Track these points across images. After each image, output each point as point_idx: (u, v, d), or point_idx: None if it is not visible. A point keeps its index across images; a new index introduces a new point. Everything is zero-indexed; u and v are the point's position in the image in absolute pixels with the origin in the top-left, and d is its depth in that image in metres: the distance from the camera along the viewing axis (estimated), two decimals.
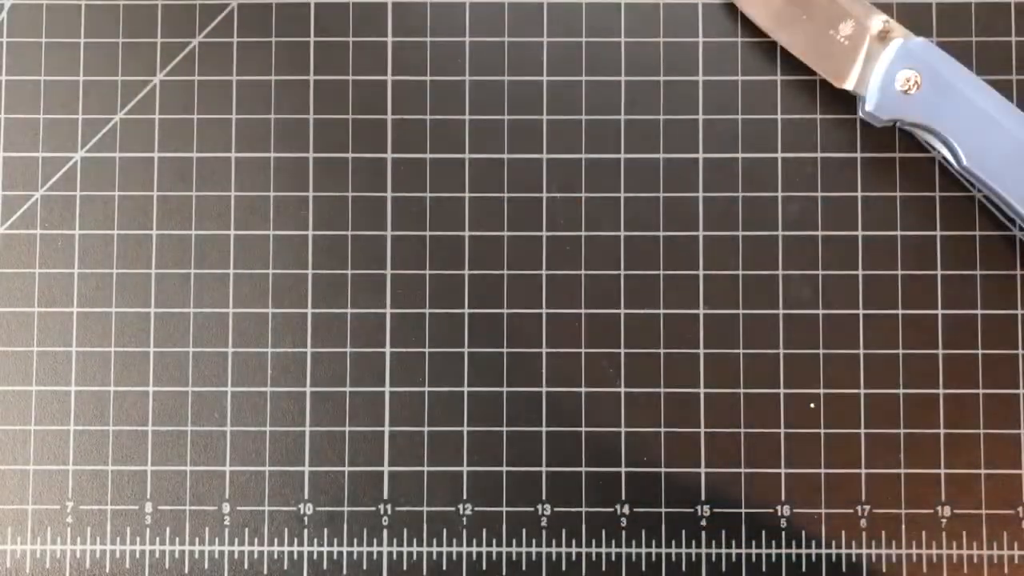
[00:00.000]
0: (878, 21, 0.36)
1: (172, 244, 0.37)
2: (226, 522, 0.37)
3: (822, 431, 0.37)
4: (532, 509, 0.36)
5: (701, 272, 0.37)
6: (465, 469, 0.37)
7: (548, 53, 0.38)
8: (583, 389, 0.37)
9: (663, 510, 0.36)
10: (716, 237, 0.37)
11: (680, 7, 0.38)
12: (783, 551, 0.36)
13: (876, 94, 0.35)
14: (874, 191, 0.37)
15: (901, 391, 0.37)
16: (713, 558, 0.36)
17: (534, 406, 0.37)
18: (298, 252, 0.37)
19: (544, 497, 0.37)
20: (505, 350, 0.37)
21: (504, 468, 0.37)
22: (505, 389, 0.37)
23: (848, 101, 0.37)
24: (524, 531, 0.36)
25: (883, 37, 0.35)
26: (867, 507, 0.36)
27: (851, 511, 0.36)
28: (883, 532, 0.36)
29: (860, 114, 0.36)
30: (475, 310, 0.37)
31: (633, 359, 0.37)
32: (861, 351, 0.37)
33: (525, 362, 0.37)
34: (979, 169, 0.35)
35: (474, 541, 0.36)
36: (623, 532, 0.36)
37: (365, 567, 0.36)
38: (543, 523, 0.36)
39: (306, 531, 0.37)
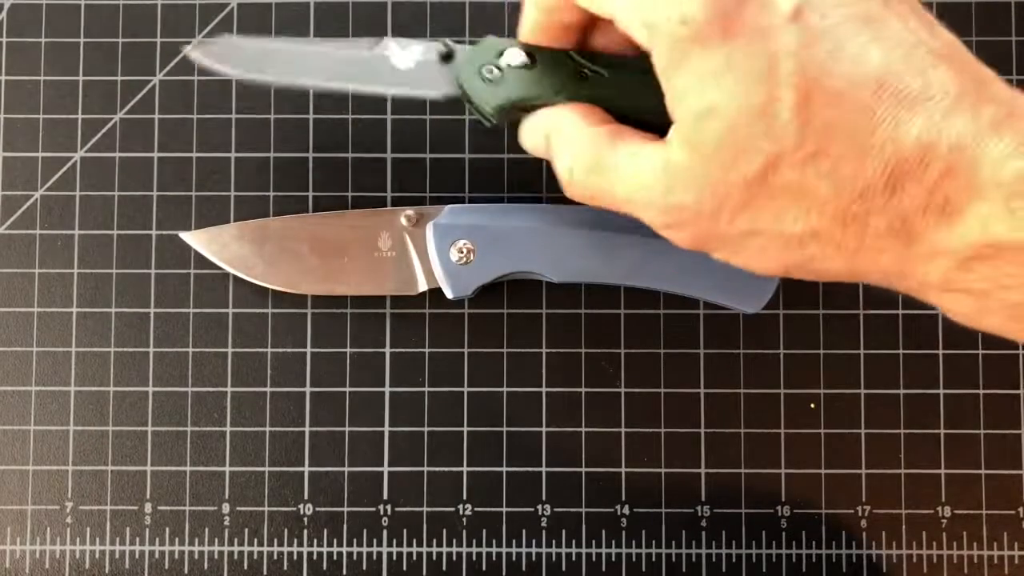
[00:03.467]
0: (403, 217, 0.35)
1: (171, 244, 0.37)
2: (226, 522, 0.37)
3: (822, 431, 0.37)
4: (532, 509, 0.36)
5: None
6: (465, 469, 0.37)
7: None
8: (583, 389, 0.37)
9: (663, 510, 0.36)
10: None
11: None
12: (783, 551, 0.36)
13: (446, 280, 0.35)
14: None
15: (901, 391, 0.37)
16: (713, 558, 0.36)
17: (534, 406, 0.37)
18: None
19: (544, 497, 0.37)
20: (505, 350, 0.37)
21: (504, 468, 0.37)
22: (505, 389, 0.37)
23: None
24: (524, 531, 0.36)
25: (416, 224, 0.35)
26: (867, 507, 0.36)
27: (851, 511, 0.36)
28: (883, 532, 0.36)
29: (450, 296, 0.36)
30: (475, 310, 0.37)
31: (633, 359, 0.37)
32: (861, 351, 0.37)
33: (525, 362, 0.37)
34: (571, 278, 0.35)
35: (474, 541, 0.36)
36: (623, 532, 0.36)
37: (365, 567, 0.36)
38: (543, 523, 0.36)
39: (306, 531, 0.37)
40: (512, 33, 0.31)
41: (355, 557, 0.36)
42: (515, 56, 0.31)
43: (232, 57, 0.34)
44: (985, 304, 0.22)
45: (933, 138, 0.21)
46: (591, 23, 0.30)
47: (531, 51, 0.31)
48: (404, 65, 0.33)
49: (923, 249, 0.22)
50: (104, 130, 0.38)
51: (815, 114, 0.22)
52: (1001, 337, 0.24)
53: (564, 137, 0.28)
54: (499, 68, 0.31)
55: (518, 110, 0.31)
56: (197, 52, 0.33)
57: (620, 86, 0.31)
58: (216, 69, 0.33)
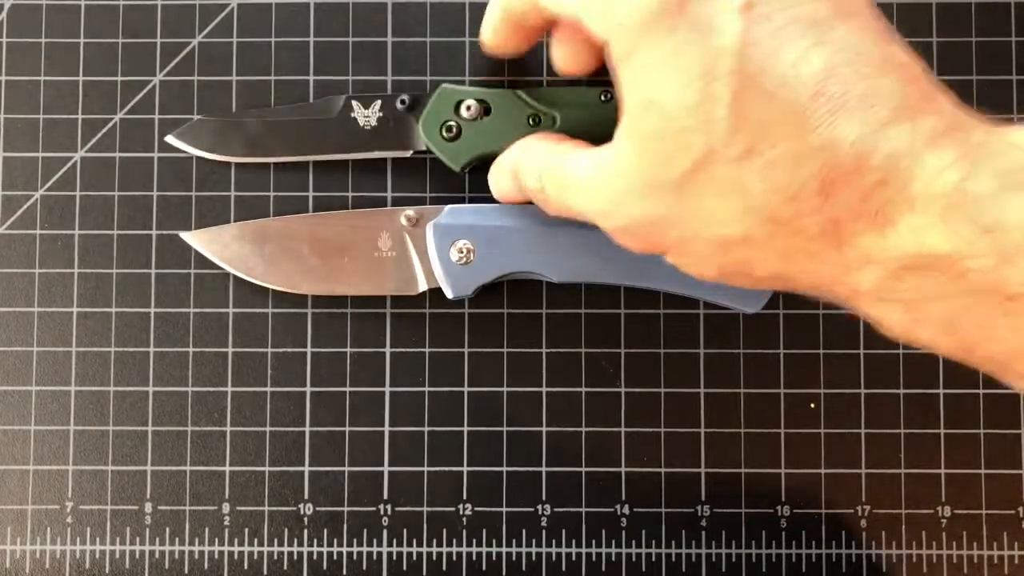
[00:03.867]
0: (403, 217, 0.35)
1: (171, 244, 0.37)
2: (226, 522, 0.37)
3: (822, 431, 0.37)
4: (532, 509, 0.36)
5: None
6: (465, 469, 0.37)
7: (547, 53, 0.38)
8: (583, 389, 0.37)
9: (663, 510, 0.36)
10: None
11: None
12: (783, 551, 0.36)
13: (446, 280, 0.35)
14: None
15: (901, 391, 0.37)
16: (713, 558, 0.36)
17: (534, 406, 0.37)
18: None
19: (544, 497, 0.37)
20: (505, 350, 0.37)
21: (504, 468, 0.37)
22: (505, 389, 0.37)
23: None
24: (524, 531, 0.36)
25: (416, 224, 0.35)
26: (867, 507, 0.36)
27: (851, 511, 0.36)
28: (883, 532, 0.36)
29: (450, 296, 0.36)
30: (475, 310, 0.37)
31: (633, 359, 0.37)
32: (861, 351, 0.37)
33: (525, 362, 0.37)
34: (571, 278, 0.35)
35: (474, 541, 0.36)
36: (623, 532, 0.36)
37: (365, 567, 0.36)
38: (543, 523, 0.36)
39: (306, 531, 0.37)
40: None
41: (355, 557, 0.36)
42: (471, 108, 0.35)
43: (201, 138, 0.37)
44: (917, 316, 0.22)
45: (869, 147, 0.21)
46: (549, 27, 0.31)
47: (484, 99, 0.35)
48: (369, 123, 0.36)
49: (855, 256, 0.22)
50: (104, 130, 0.38)
51: (750, 112, 0.22)
52: (932, 353, 0.24)
53: (529, 161, 0.30)
54: (458, 123, 0.35)
55: (480, 160, 0.35)
56: (173, 137, 0.37)
57: (570, 125, 0.34)
58: (187, 150, 0.37)
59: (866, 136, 0.21)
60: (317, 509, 0.37)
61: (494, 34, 0.32)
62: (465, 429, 0.37)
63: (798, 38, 0.22)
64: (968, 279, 0.21)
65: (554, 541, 0.36)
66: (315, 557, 0.36)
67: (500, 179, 0.33)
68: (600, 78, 0.32)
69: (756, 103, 0.22)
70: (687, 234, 0.25)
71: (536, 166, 0.30)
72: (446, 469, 0.37)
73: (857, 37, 0.23)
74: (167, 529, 0.37)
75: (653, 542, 0.36)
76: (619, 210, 0.26)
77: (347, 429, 0.37)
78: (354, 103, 0.36)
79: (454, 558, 0.36)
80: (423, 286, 0.36)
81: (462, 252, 0.35)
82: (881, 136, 0.21)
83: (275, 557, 0.36)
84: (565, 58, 0.32)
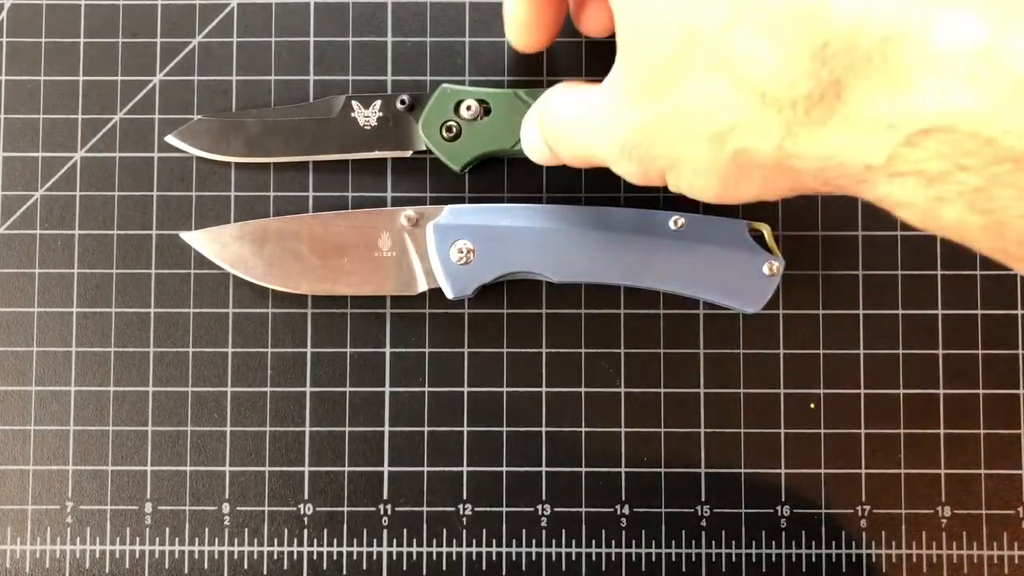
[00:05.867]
0: (403, 217, 0.36)
1: (171, 244, 0.37)
2: (226, 522, 0.37)
3: (822, 431, 0.37)
4: (532, 509, 0.36)
5: None
6: (465, 469, 0.37)
7: (546, 53, 0.38)
8: (583, 389, 0.37)
9: (663, 510, 0.36)
10: None
11: None
12: (783, 551, 0.36)
13: (446, 280, 0.35)
14: None
15: (901, 391, 0.37)
16: (713, 558, 0.36)
17: (534, 406, 0.37)
18: None
19: (544, 497, 0.37)
20: (505, 350, 0.37)
21: (504, 468, 0.37)
22: (505, 389, 0.37)
23: None
24: (524, 531, 0.36)
25: (416, 224, 0.36)
26: (867, 507, 0.36)
27: (851, 511, 0.36)
28: (883, 532, 0.36)
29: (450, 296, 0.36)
30: (475, 310, 0.37)
31: (633, 359, 0.37)
32: (861, 351, 0.37)
33: (525, 362, 0.37)
34: (571, 278, 0.35)
35: (474, 541, 0.36)
36: (623, 532, 0.36)
37: (365, 567, 0.36)
38: (543, 523, 0.36)
39: (306, 531, 0.37)
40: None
41: (355, 557, 0.36)
42: (471, 108, 0.35)
43: (201, 138, 0.37)
44: (940, 191, 0.20)
45: (866, 4, 0.20)
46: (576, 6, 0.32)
47: (484, 99, 0.35)
48: (369, 123, 0.36)
49: (866, 121, 0.20)
50: (104, 130, 0.38)
51: None
52: (957, 243, 0.21)
53: (547, 107, 0.30)
54: (458, 123, 0.35)
55: (480, 160, 0.35)
56: (173, 137, 0.37)
57: None
58: (187, 150, 0.37)
59: None
60: (317, 509, 0.37)
61: (519, 29, 0.32)
62: (465, 429, 0.37)
63: None
64: (1000, 145, 0.19)
65: (554, 541, 0.36)
66: (315, 557, 0.36)
67: (528, 134, 0.32)
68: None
69: None
70: (684, 136, 0.23)
71: (551, 108, 0.30)
72: (446, 469, 0.37)
73: None
74: (167, 529, 0.37)
75: (653, 542, 0.36)
76: (615, 125, 0.25)
77: (347, 429, 0.37)
78: (354, 103, 0.36)
79: (454, 558, 0.36)
80: (423, 286, 0.36)
81: (462, 252, 0.35)
82: None
83: (275, 557, 0.36)
84: (588, 20, 0.33)
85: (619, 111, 0.25)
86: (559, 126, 0.29)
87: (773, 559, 0.36)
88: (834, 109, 0.21)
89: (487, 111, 0.35)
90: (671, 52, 0.23)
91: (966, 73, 0.19)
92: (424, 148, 0.36)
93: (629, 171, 0.26)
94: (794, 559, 0.36)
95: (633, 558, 0.36)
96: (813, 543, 0.36)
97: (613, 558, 0.36)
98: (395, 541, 0.36)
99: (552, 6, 0.32)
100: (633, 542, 0.36)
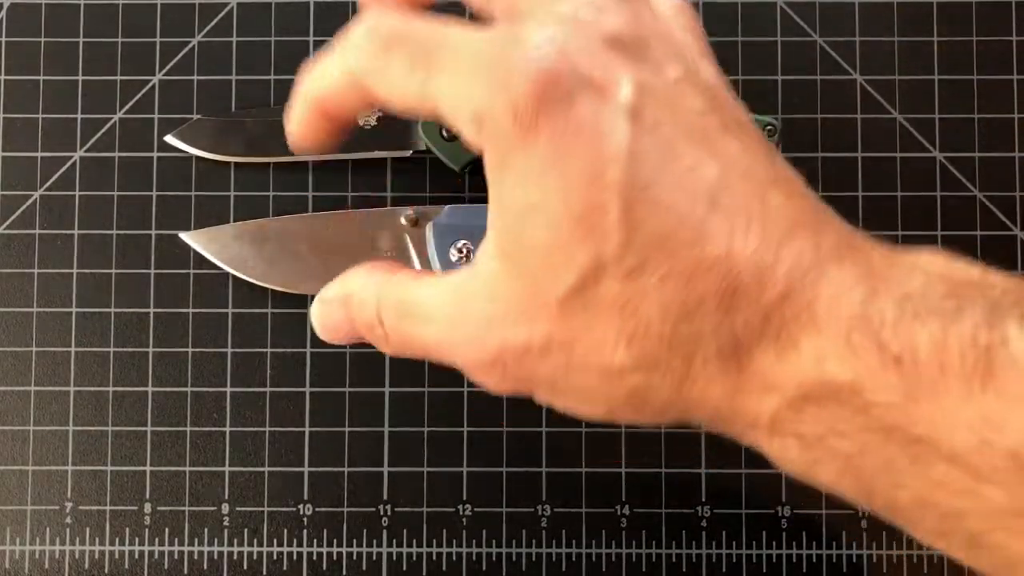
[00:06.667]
0: (403, 217, 0.35)
1: (171, 244, 0.37)
2: (226, 522, 0.37)
3: None
4: (532, 509, 0.36)
5: None
6: (465, 469, 0.37)
7: None
8: None
9: (663, 510, 0.36)
10: None
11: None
12: (783, 551, 0.36)
13: None
14: (875, 191, 0.37)
15: None
16: (713, 558, 0.36)
17: (534, 406, 0.37)
18: None
19: (544, 497, 0.37)
20: None
21: (504, 468, 0.37)
22: None
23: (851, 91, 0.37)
24: (524, 531, 0.36)
25: (416, 224, 0.35)
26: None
27: (851, 511, 0.36)
28: (883, 532, 0.36)
29: None
30: None
31: None
32: None
33: None
34: None
35: (474, 541, 0.36)
36: (623, 532, 0.36)
37: (365, 567, 0.36)
38: (543, 523, 0.36)
39: (306, 531, 0.36)
40: None
41: (355, 557, 0.36)
42: None
43: (201, 138, 0.37)
44: (816, 455, 0.20)
45: (770, 259, 0.20)
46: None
47: None
48: (369, 124, 0.35)
49: (755, 381, 0.20)
50: (104, 130, 0.38)
51: (642, 224, 0.20)
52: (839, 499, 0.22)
53: (363, 289, 0.26)
54: None
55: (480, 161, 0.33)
56: (173, 137, 0.37)
57: None
58: (187, 150, 0.37)
59: (767, 249, 0.20)
60: (317, 509, 0.37)
61: (300, 124, 0.26)
62: (465, 429, 0.37)
63: (691, 149, 0.20)
64: (871, 415, 0.19)
65: (554, 541, 0.36)
66: (315, 557, 0.36)
67: (328, 312, 0.27)
68: None
69: (648, 215, 0.20)
70: (571, 363, 0.22)
71: (372, 294, 0.25)
72: (446, 469, 0.37)
73: (747, 154, 0.21)
74: (166, 529, 0.36)
75: (653, 542, 0.36)
76: (487, 338, 0.22)
77: (347, 429, 0.37)
78: None
79: (454, 558, 0.36)
80: None
81: (462, 252, 0.35)
82: (784, 250, 0.20)
83: (275, 557, 0.36)
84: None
85: (498, 324, 0.22)
86: (392, 321, 0.25)
87: (774, 560, 0.36)
88: (730, 366, 0.20)
89: None
90: (572, 283, 0.21)
91: (843, 342, 0.19)
92: (424, 148, 0.36)
93: (488, 381, 0.24)
94: (794, 559, 0.36)
95: (633, 558, 0.36)
96: (814, 544, 0.36)
97: (613, 558, 0.36)
98: (395, 541, 0.36)
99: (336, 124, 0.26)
100: (633, 542, 0.36)
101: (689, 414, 0.22)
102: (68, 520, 0.37)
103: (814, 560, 0.36)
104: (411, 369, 0.37)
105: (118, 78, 0.38)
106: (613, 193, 0.20)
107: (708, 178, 0.20)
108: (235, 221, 0.37)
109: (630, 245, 0.20)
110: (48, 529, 0.37)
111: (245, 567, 0.36)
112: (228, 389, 0.37)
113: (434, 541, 0.36)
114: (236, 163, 0.37)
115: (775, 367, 0.20)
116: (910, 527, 0.21)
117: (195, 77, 0.38)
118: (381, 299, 0.25)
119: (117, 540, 0.36)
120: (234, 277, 0.37)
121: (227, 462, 0.37)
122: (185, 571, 0.36)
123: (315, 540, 0.36)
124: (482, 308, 0.22)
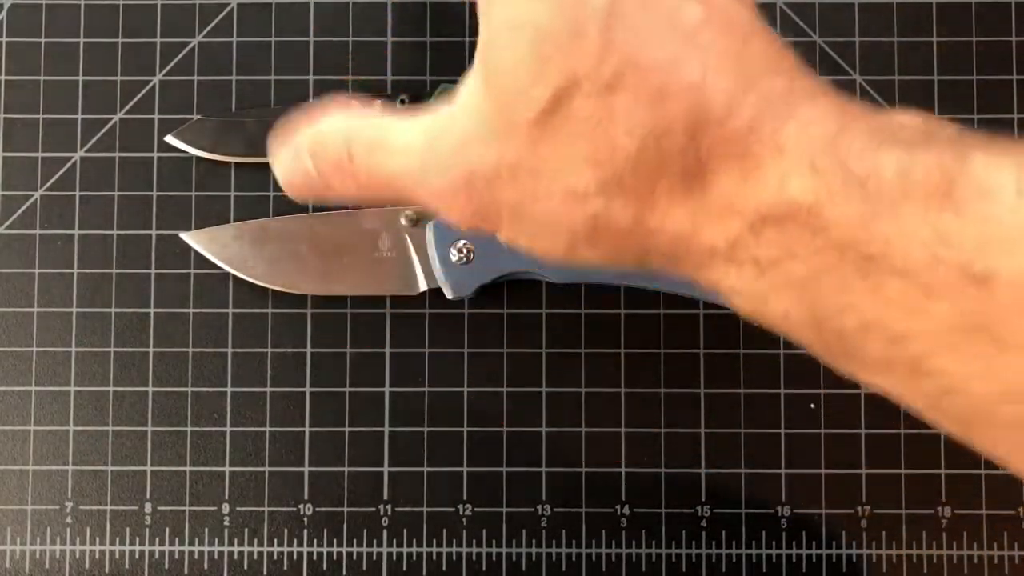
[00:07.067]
0: (403, 217, 0.36)
1: (171, 244, 0.37)
2: (226, 522, 0.37)
3: (822, 431, 0.37)
4: (532, 509, 0.36)
5: None
6: (465, 469, 0.37)
7: None
8: (583, 389, 0.37)
9: (663, 510, 0.36)
10: None
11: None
12: (783, 551, 0.36)
13: (446, 280, 0.35)
14: None
15: None
16: (713, 558, 0.36)
17: (534, 406, 0.37)
18: None
19: (544, 497, 0.37)
20: (505, 350, 0.37)
21: (504, 468, 0.37)
22: (505, 389, 0.37)
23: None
24: (524, 531, 0.36)
25: (416, 224, 0.36)
26: (867, 507, 0.36)
27: (851, 511, 0.36)
28: (883, 532, 0.36)
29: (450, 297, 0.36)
30: (475, 310, 0.37)
31: (633, 359, 0.37)
32: None
33: (525, 362, 0.37)
34: (571, 278, 0.35)
35: (474, 541, 0.36)
36: (623, 532, 0.36)
37: (365, 567, 0.36)
38: (543, 523, 0.36)
39: (306, 531, 0.37)
40: None
41: (355, 557, 0.36)
42: None
43: (201, 138, 0.37)
44: (770, 281, 0.20)
45: (743, 89, 0.20)
46: None
47: None
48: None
49: (717, 203, 0.21)
50: (104, 130, 0.38)
51: (620, 45, 0.21)
52: (789, 341, 0.22)
53: (332, 127, 0.26)
54: None
55: None
56: (173, 137, 0.37)
57: None
58: (187, 150, 0.37)
59: (740, 83, 0.20)
60: (317, 509, 0.37)
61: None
62: (465, 429, 0.37)
63: None
64: (829, 235, 0.19)
65: (554, 541, 0.36)
66: (315, 557, 0.36)
67: (293, 157, 0.27)
68: None
69: (628, 37, 0.21)
70: (537, 189, 0.22)
71: (343, 127, 0.25)
72: (446, 469, 0.37)
73: (735, 7, 0.22)
74: (167, 529, 0.36)
75: (653, 542, 0.36)
76: (459, 162, 0.23)
77: (347, 429, 0.37)
78: (354, 102, 0.36)
79: (454, 558, 0.36)
80: (423, 286, 0.36)
81: (462, 252, 0.35)
82: (758, 84, 0.20)
83: (275, 557, 0.36)
84: None
85: (468, 147, 0.23)
86: (362, 153, 0.25)
87: (773, 559, 0.36)
88: (694, 188, 0.21)
89: None
90: (546, 99, 0.21)
91: (807, 164, 0.19)
92: None
93: (454, 212, 0.24)
94: (794, 559, 0.36)
95: (633, 558, 0.36)
96: (813, 543, 0.36)
97: (613, 558, 0.36)
98: (395, 541, 0.36)
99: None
100: (633, 542, 0.36)
101: (647, 255, 0.22)
102: (68, 520, 0.37)
103: (814, 560, 0.36)
104: (411, 369, 0.37)
105: (118, 78, 0.38)
106: (597, 14, 0.21)
107: (691, 16, 0.21)
108: (235, 221, 0.37)
109: (605, 62, 0.21)
110: (49, 529, 0.37)
111: (245, 567, 0.36)
112: (228, 389, 0.37)
113: (434, 541, 0.36)
114: (236, 163, 0.37)
115: (738, 189, 0.20)
116: (855, 362, 0.21)
117: (195, 77, 0.38)
118: (353, 132, 0.25)
119: (117, 540, 0.36)
120: (234, 277, 0.37)
121: (227, 462, 0.37)
122: (185, 571, 0.36)
123: (315, 540, 0.36)
124: (458, 132, 0.23)
